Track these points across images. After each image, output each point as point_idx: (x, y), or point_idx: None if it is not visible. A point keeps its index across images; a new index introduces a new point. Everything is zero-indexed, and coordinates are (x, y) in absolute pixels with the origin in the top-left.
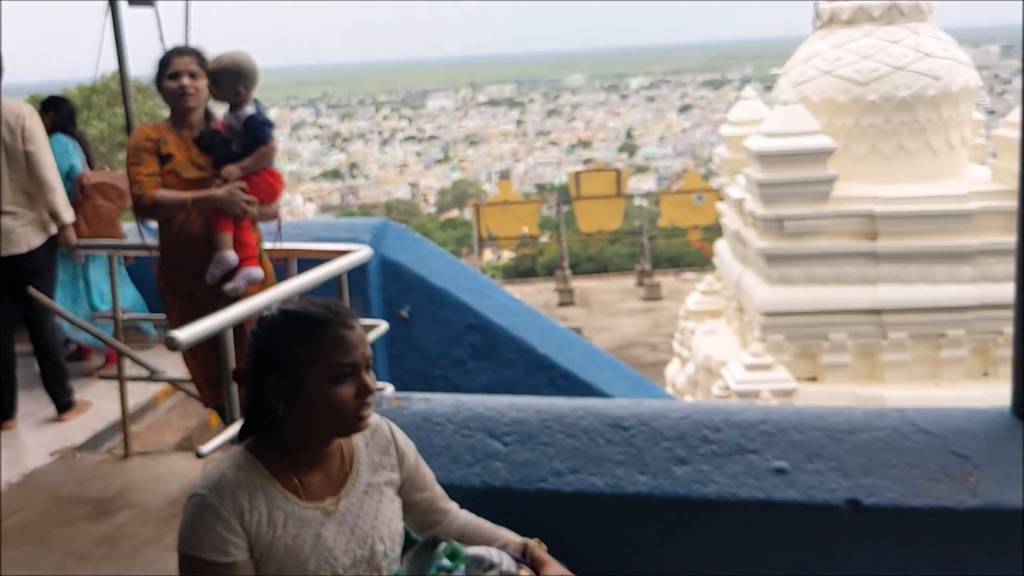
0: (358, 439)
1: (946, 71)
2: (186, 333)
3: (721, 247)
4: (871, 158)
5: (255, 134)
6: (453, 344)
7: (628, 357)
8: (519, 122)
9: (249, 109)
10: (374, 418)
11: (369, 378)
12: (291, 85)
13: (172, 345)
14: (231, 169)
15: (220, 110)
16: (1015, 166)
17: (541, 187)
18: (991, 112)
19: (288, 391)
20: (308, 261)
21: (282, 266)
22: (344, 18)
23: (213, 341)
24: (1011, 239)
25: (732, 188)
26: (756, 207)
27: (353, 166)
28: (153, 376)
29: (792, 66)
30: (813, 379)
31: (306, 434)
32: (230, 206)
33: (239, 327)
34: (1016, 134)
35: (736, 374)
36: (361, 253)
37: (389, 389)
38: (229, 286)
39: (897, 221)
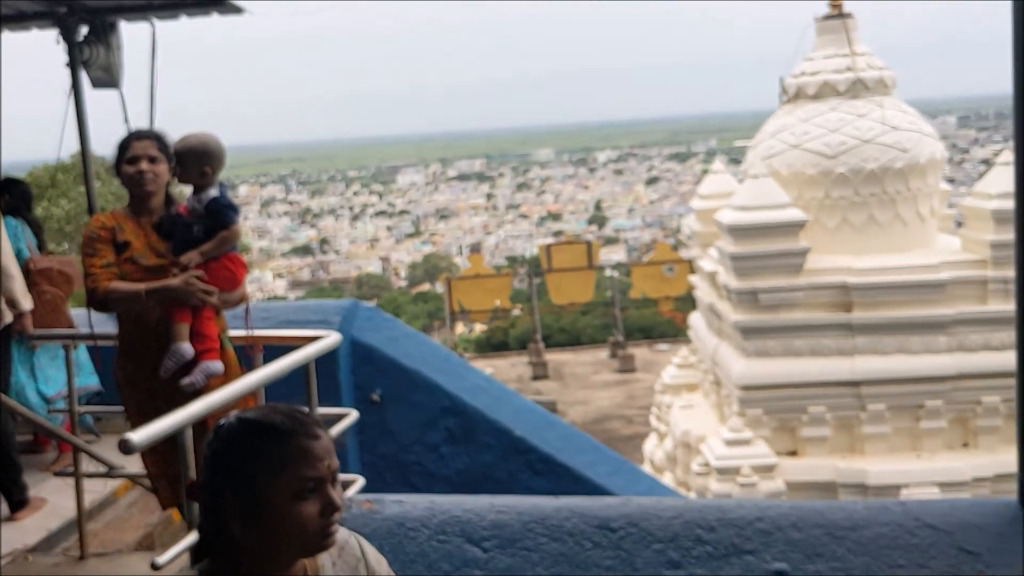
0: (324, 558)
1: (913, 143)
2: (140, 435)
3: (695, 319)
4: (842, 230)
5: (217, 217)
6: (427, 428)
7: (604, 431)
8: (489, 196)
9: (212, 192)
10: (342, 533)
11: (336, 493)
12: (261, 163)
13: (125, 448)
14: (190, 255)
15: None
16: (984, 235)
17: (512, 259)
18: (951, 180)
19: (246, 510)
20: (276, 348)
21: (251, 354)
22: (313, 96)
23: (173, 438)
24: (984, 308)
25: (704, 261)
26: (730, 280)
27: (323, 241)
28: (111, 472)
29: (760, 140)
30: (793, 453)
31: (266, 556)
32: (187, 296)
33: (201, 423)
34: (984, 204)
35: (716, 450)
36: (329, 340)
37: (359, 483)
38: (186, 381)
39: (871, 292)
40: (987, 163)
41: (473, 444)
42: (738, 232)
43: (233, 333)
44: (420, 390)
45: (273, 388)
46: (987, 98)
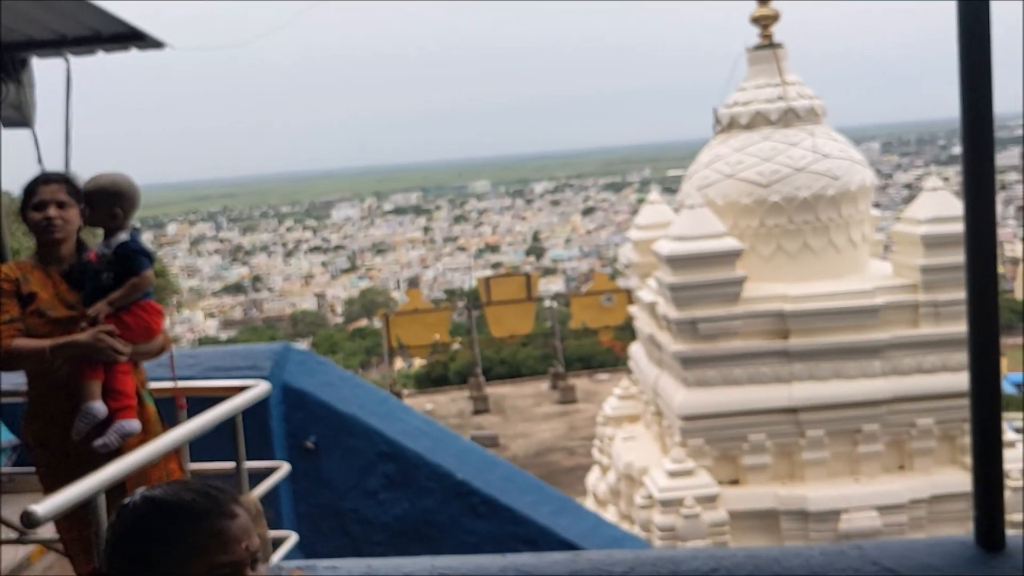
0: None
1: (844, 170)
2: (46, 506)
3: (636, 350)
4: (777, 258)
5: (126, 263)
6: (364, 474)
7: (546, 464)
8: (426, 229)
9: (123, 236)
10: None
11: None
12: (190, 200)
13: (28, 521)
14: (99, 306)
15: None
16: (915, 260)
17: (451, 293)
18: (875, 205)
19: None
20: (203, 398)
21: (179, 406)
22: (244, 130)
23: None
24: (916, 332)
25: (644, 291)
26: (669, 310)
27: (256, 279)
28: (22, 539)
29: (695, 170)
30: (735, 482)
31: None
32: (96, 352)
33: (119, 486)
34: (913, 229)
35: (659, 482)
36: (258, 390)
37: (292, 539)
38: (99, 442)
39: (807, 319)
40: (910, 187)
41: (412, 489)
42: (676, 262)
43: (156, 385)
44: (356, 435)
45: (200, 442)
46: (909, 124)
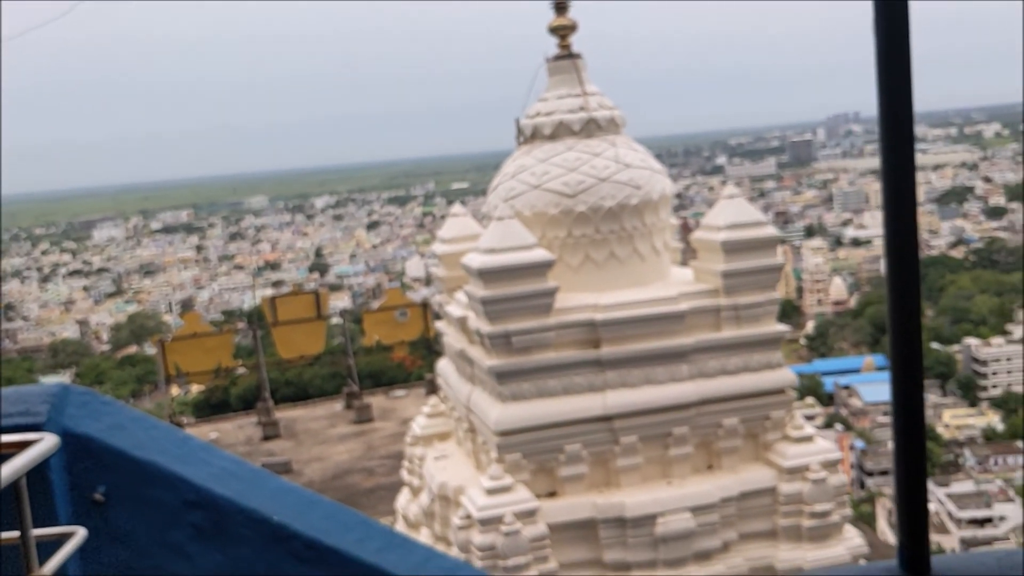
0: None
1: (645, 180)
2: None
3: (444, 366)
4: (585, 267)
5: None
6: (168, 526)
7: (345, 487)
8: (199, 248)
9: None
10: None
11: None
12: None
13: None
14: None
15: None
16: (715, 266)
17: (229, 314)
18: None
19: None
20: None
21: None
22: None
23: None
24: (719, 335)
25: (452, 306)
26: (482, 324)
27: (8, 307)
28: None
29: (501, 181)
30: (552, 494)
31: None
32: None
33: None
34: (713, 236)
35: (477, 501)
36: (43, 445)
37: None
38: None
39: (617, 327)
40: (680, 197)
41: (225, 538)
42: (488, 275)
43: None
44: (155, 484)
45: None
46: (676, 137)
